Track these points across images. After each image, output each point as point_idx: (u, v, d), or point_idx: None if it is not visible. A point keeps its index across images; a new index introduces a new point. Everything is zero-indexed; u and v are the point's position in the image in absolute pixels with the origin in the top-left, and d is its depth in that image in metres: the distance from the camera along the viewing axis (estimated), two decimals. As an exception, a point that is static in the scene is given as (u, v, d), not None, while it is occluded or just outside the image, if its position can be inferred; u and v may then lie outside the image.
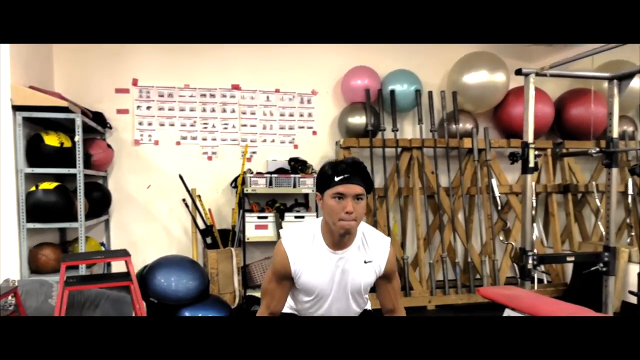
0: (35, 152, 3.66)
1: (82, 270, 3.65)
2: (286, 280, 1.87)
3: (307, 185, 4.59)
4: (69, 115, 3.65)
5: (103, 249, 4.30)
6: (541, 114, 4.91)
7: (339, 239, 1.81)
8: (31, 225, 3.53)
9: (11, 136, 3.51)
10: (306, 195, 4.83)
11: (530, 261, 3.59)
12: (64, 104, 3.59)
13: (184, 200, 4.49)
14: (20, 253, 3.52)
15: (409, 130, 5.22)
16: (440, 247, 4.74)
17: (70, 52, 4.52)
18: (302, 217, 4.55)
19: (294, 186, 4.56)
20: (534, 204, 4.87)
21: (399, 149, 4.82)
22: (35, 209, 3.53)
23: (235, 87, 4.92)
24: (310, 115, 5.10)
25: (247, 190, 4.47)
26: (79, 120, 3.67)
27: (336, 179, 1.72)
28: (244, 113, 4.94)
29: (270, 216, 4.49)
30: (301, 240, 1.85)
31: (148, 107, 4.72)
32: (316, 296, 1.91)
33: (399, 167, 4.77)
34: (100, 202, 4.26)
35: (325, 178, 1.76)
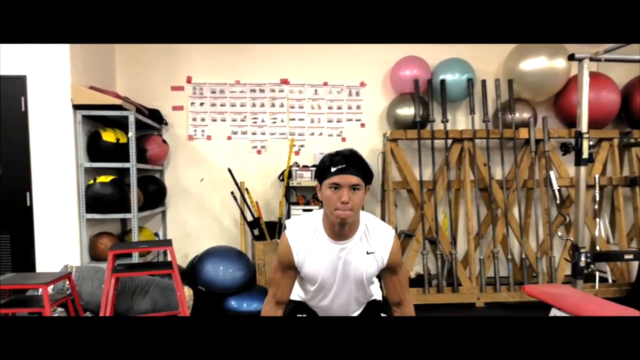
0: (94, 148, 3.94)
1: (136, 259, 3.88)
2: (290, 270, 1.91)
3: (353, 178, 4.57)
4: (123, 113, 3.88)
5: (157, 238, 4.54)
6: (606, 102, 4.59)
7: (338, 229, 1.81)
8: (90, 215, 3.81)
9: (72, 133, 3.80)
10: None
11: (582, 258, 3.38)
12: (117, 102, 3.82)
13: (232, 193, 4.63)
14: (80, 241, 3.81)
15: (460, 121, 5.05)
16: (492, 243, 4.56)
17: (130, 53, 4.80)
18: (348, 210, 4.55)
19: (340, 179, 4.56)
20: (597, 198, 4.57)
21: (449, 141, 4.67)
22: (94, 201, 3.80)
23: (284, 81, 5.00)
24: (358, 107, 5.08)
25: (292, 184, 4.54)
26: (132, 117, 3.90)
27: (332, 169, 1.73)
28: (292, 107, 5.01)
29: (315, 209, 4.52)
30: (303, 232, 1.88)
31: (201, 104, 4.91)
32: (320, 285, 1.93)
33: (448, 159, 4.63)
34: (155, 194, 4.50)
35: (323, 169, 1.77)
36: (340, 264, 1.88)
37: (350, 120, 5.08)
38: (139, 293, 3.55)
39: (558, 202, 4.53)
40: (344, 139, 5.04)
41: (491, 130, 4.68)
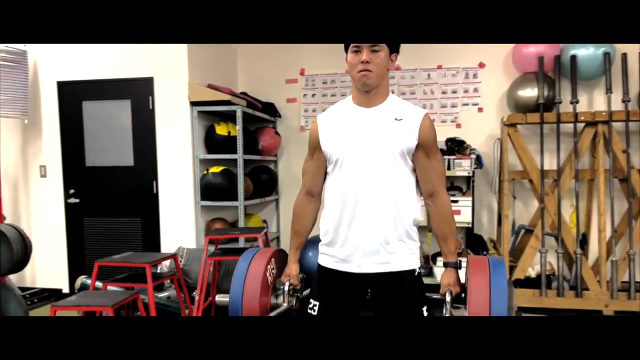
0: (209, 140, 4.30)
1: (242, 244, 4.16)
2: (318, 151, 1.89)
3: (463, 167, 4.29)
4: (232, 108, 4.16)
5: (265, 226, 4.79)
6: None
7: (364, 95, 1.79)
8: (203, 203, 4.18)
9: (189, 127, 4.19)
10: (467, 179, 4.48)
11: None
12: (226, 97, 4.11)
13: (337, 182, 4.67)
14: (196, 225, 4.20)
15: (594, 102, 4.39)
16: (629, 243, 3.90)
17: (250, 51, 5.10)
18: (456, 201, 4.29)
19: (448, 168, 4.31)
20: None
21: (580, 125, 4.10)
22: (206, 189, 4.16)
23: (396, 68, 4.86)
24: (476, 90, 4.73)
25: (397, 173, 4.41)
26: (239, 112, 4.16)
27: None
28: (403, 93, 4.86)
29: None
30: (332, 108, 1.92)
31: (313, 95, 5.03)
32: (338, 160, 1.79)
33: (577, 145, 4.06)
34: (267, 183, 4.75)
35: None
36: (367, 129, 1.77)
37: (467, 104, 4.75)
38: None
39: None
40: (458, 125, 4.74)
41: (632, 111, 3.99)
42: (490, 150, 4.56)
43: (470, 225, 4.28)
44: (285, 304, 1.98)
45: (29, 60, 4.38)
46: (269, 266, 2.02)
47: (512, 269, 4.15)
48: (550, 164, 4.17)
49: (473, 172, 4.30)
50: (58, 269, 4.45)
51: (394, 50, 1.81)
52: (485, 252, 4.21)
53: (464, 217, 4.26)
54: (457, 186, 4.52)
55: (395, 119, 1.78)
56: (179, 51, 4.18)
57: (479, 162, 4.39)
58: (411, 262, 1.85)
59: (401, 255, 1.82)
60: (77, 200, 4.38)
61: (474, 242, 4.35)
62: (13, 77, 4.27)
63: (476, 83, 4.72)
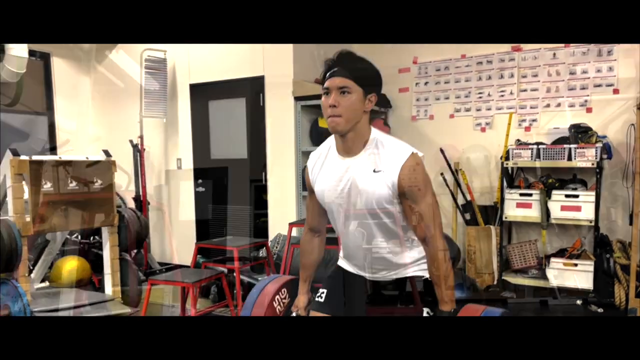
0: (314, 133, 4.48)
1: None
2: (313, 193, 1.89)
3: (586, 157, 3.76)
4: (330, 101, 4.26)
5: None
6: None
7: (340, 141, 1.72)
8: (305, 193, 4.36)
9: (293, 121, 4.41)
10: (596, 172, 3.89)
11: None
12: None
13: (442, 174, 4.45)
14: (297, 215, 4.41)
15: None
16: None
17: (364, 45, 5.12)
18: (576, 196, 3.77)
19: (569, 158, 3.82)
20: None
21: None
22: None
23: (516, 49, 4.44)
24: (610, 69, 4.08)
25: (506, 164, 4.05)
26: (337, 104, 4.24)
27: (327, 75, 1.68)
28: (524, 76, 4.42)
29: (536, 193, 3.92)
30: (319, 150, 1.86)
31: (425, 83, 4.86)
32: (329, 207, 1.82)
33: None
34: (373, 175, 4.75)
35: (323, 76, 1.72)
36: (346, 183, 1.72)
37: (599, 85, 4.12)
38: (332, 265, 3.90)
39: None
40: (589, 110, 4.15)
41: None
42: (624, 138, 3.91)
43: (591, 224, 3.73)
44: None
45: (168, 67, 5.05)
46: (278, 296, 2.08)
47: (643, 278, 3.52)
48: (700, 152, 3.42)
49: (598, 163, 3.74)
50: (190, 248, 5.06)
51: (371, 91, 1.70)
52: (608, 255, 3.64)
53: (585, 214, 3.74)
54: (581, 179, 3.96)
55: (374, 171, 1.68)
56: (286, 50, 4.41)
57: (607, 151, 3.80)
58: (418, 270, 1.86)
59: (405, 271, 1.86)
60: (203, 189, 4.94)
61: (597, 243, 3.78)
62: (155, 82, 4.98)
63: (611, 61, 4.07)
